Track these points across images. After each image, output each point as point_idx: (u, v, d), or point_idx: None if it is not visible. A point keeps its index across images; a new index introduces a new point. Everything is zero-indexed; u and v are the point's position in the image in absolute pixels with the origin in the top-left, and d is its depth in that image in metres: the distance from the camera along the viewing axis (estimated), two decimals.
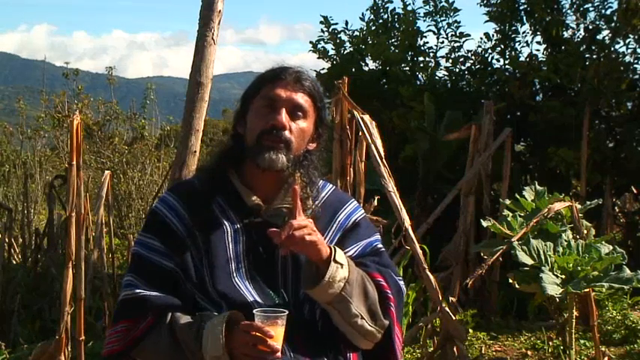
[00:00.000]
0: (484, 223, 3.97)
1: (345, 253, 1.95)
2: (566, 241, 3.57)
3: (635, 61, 6.25)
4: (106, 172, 5.42)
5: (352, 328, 1.88)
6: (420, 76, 6.84)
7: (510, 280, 3.72)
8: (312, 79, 2.03)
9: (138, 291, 1.89)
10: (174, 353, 1.85)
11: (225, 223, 1.95)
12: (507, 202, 4.19)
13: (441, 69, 6.88)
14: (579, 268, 3.39)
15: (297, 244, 1.77)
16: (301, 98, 1.96)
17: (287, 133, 1.93)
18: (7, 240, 6.36)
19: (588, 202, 4.29)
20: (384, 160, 3.80)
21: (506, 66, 6.61)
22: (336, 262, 1.82)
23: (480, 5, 6.59)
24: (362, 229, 2.06)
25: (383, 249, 2.08)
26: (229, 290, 1.89)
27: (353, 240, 2.03)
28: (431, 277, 3.75)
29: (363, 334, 1.89)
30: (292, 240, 1.75)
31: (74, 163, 3.62)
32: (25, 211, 8.37)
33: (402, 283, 2.05)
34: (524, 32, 6.54)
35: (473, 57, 6.76)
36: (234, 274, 1.91)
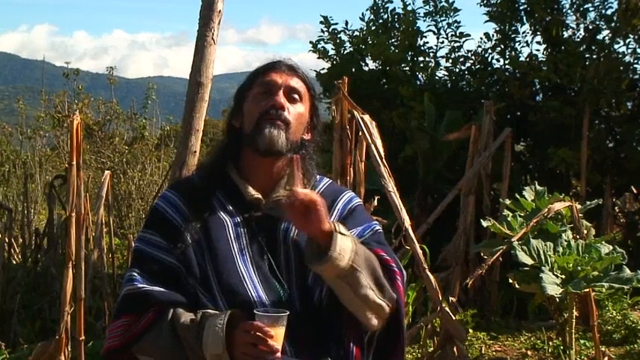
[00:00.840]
0: (484, 223, 3.97)
1: None
2: (566, 241, 3.58)
3: (635, 61, 6.26)
4: (106, 172, 5.42)
5: (362, 302, 1.84)
6: (420, 76, 6.84)
7: (510, 280, 3.72)
8: (303, 69, 2.07)
9: (140, 286, 1.89)
10: (175, 350, 1.85)
11: (226, 217, 1.97)
12: (507, 202, 4.19)
13: (441, 69, 6.89)
14: (579, 268, 3.39)
15: (301, 212, 1.75)
16: (296, 83, 2.01)
17: (286, 113, 1.96)
18: (7, 240, 6.36)
19: (588, 202, 4.29)
20: (384, 160, 3.80)
21: (506, 66, 6.61)
22: (340, 233, 1.80)
23: (480, 5, 6.60)
24: (358, 215, 2.08)
25: (381, 230, 2.08)
26: (233, 284, 1.89)
27: (350, 225, 2.02)
28: (431, 277, 3.75)
29: (373, 309, 1.86)
30: (299, 206, 1.74)
31: (74, 163, 3.62)
32: (25, 211, 8.37)
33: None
34: (524, 32, 6.55)
35: (473, 57, 6.77)
36: (239, 267, 1.92)
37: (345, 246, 1.79)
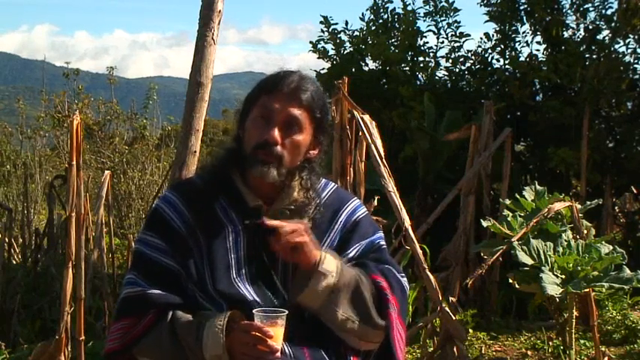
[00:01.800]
0: (484, 223, 3.97)
1: (346, 253, 1.98)
2: (566, 241, 3.57)
3: (635, 61, 6.26)
4: (106, 172, 5.42)
5: (344, 333, 1.90)
6: (420, 76, 6.84)
7: (510, 280, 3.72)
8: (312, 88, 1.98)
9: (140, 289, 1.90)
10: (175, 351, 1.85)
11: (227, 223, 1.96)
12: (507, 202, 4.19)
13: (441, 69, 6.89)
14: (579, 268, 3.39)
15: (287, 248, 1.82)
16: (297, 111, 1.94)
17: (279, 148, 1.92)
18: (7, 240, 6.36)
19: (588, 202, 4.28)
20: (384, 160, 3.80)
21: (506, 66, 6.61)
22: (320, 272, 1.85)
23: (480, 5, 6.60)
24: (363, 227, 2.06)
25: (384, 246, 2.08)
26: (229, 290, 1.89)
27: (355, 240, 2.03)
28: (431, 277, 3.75)
29: (358, 336, 1.92)
30: (283, 243, 1.81)
31: (74, 163, 3.62)
32: (25, 211, 8.37)
33: (404, 280, 2.05)
34: (524, 32, 6.55)
35: (473, 57, 6.76)
36: (235, 275, 1.92)
37: (320, 284, 1.86)
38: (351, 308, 1.89)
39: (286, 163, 1.94)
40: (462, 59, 6.78)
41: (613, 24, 6.12)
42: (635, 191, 6.64)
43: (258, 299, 1.89)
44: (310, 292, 1.85)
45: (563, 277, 3.41)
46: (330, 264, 1.87)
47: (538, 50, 6.52)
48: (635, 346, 4.38)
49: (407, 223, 3.78)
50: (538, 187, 4.12)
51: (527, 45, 6.56)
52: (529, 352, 4.51)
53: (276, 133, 1.92)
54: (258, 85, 2.01)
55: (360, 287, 1.91)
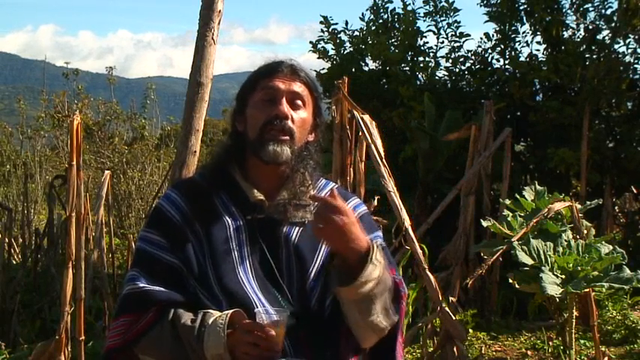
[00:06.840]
0: (484, 223, 3.97)
1: None
2: (566, 241, 3.57)
3: (635, 61, 6.26)
4: (106, 172, 5.42)
5: (367, 326, 1.86)
6: (420, 76, 6.85)
7: (510, 280, 3.72)
8: (306, 70, 2.05)
9: (142, 285, 1.89)
10: (176, 349, 1.84)
11: (228, 218, 1.95)
12: (507, 202, 4.19)
13: (441, 69, 6.90)
14: (579, 268, 3.38)
15: (332, 231, 1.73)
16: (299, 88, 1.99)
17: (289, 122, 1.94)
18: (7, 240, 6.36)
19: (588, 202, 4.28)
20: (384, 160, 3.80)
21: (506, 66, 6.61)
22: (372, 262, 1.79)
23: (480, 5, 6.60)
24: (364, 224, 2.06)
25: (384, 245, 2.08)
26: (233, 286, 1.89)
27: None
28: (431, 277, 3.74)
29: (375, 331, 1.88)
30: (329, 225, 1.72)
31: (74, 163, 3.62)
32: (25, 211, 8.37)
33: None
34: (524, 32, 6.56)
35: (473, 57, 6.77)
36: (238, 269, 1.91)
37: (372, 274, 1.79)
38: (382, 301, 1.86)
39: (297, 140, 1.96)
40: (462, 59, 6.79)
41: (613, 24, 6.12)
42: (635, 191, 6.64)
43: (261, 295, 1.88)
44: (361, 283, 1.77)
45: (563, 277, 3.40)
46: (380, 255, 1.82)
47: (538, 50, 6.54)
48: (635, 346, 4.38)
49: (407, 223, 3.77)
50: (538, 187, 4.11)
51: (527, 45, 6.58)
52: (529, 352, 4.51)
53: (286, 107, 1.95)
54: (253, 75, 2.04)
55: (387, 282, 1.88)
